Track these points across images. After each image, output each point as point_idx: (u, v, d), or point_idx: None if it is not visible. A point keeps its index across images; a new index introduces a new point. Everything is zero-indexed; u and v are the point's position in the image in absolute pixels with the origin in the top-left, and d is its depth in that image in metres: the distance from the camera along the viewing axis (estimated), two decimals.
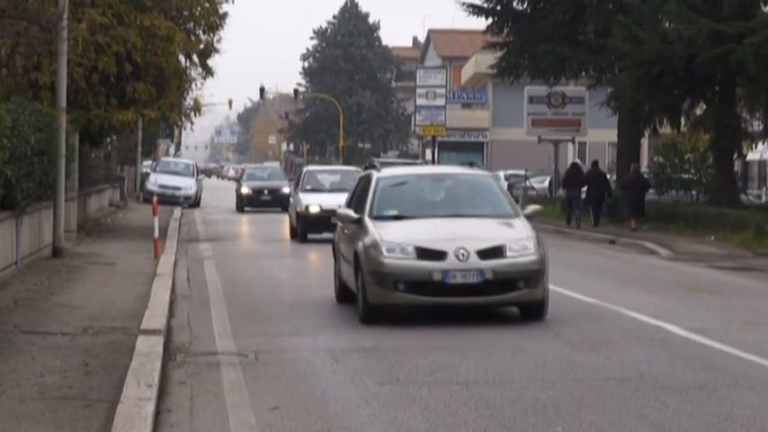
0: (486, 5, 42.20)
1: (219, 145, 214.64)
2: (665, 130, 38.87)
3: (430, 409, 9.75)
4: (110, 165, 46.15)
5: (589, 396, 10.22)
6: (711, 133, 35.72)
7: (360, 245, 14.80)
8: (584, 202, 36.55)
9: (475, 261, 14.15)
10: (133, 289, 17.38)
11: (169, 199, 48.32)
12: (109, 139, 41.26)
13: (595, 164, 37.97)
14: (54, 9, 21.62)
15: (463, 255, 14.15)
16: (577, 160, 45.50)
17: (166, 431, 9.12)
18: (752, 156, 49.73)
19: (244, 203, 48.17)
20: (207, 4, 29.81)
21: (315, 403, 10.05)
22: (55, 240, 22.45)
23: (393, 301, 14.40)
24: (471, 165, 17.02)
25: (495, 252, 14.34)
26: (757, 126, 40.17)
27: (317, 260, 24.61)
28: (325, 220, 27.45)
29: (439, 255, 14.20)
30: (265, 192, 48.37)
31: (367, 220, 15.22)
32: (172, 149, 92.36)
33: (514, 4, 42.21)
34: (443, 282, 14.11)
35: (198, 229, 35.86)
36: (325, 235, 27.48)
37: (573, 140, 48.66)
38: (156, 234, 24.22)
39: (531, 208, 16.38)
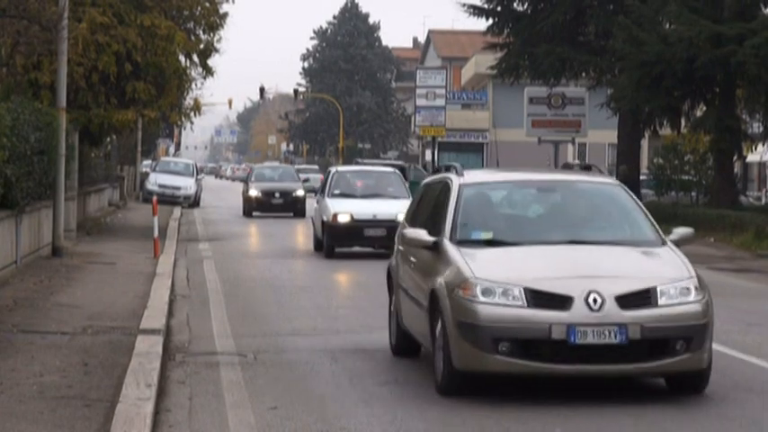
0: (486, 6, 42.23)
1: (219, 145, 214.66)
2: (666, 131, 38.95)
3: (429, 410, 9.75)
4: (109, 164, 46.11)
5: (587, 398, 10.21)
6: (711, 135, 35.75)
7: (439, 282, 10.48)
8: None
9: (614, 311, 9.85)
10: (132, 288, 17.37)
11: (169, 199, 48.28)
12: (109, 139, 41.24)
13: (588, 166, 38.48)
14: (54, 8, 21.60)
15: (597, 301, 9.85)
16: (576, 161, 45.52)
17: (165, 431, 9.11)
18: (752, 157, 49.78)
19: (252, 207, 43.06)
20: (207, 4, 29.79)
21: (314, 403, 10.05)
22: (54, 240, 22.44)
23: (491, 368, 9.97)
24: (588, 168, 12.64)
25: (643, 298, 10.02)
26: (757, 128, 40.24)
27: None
28: (357, 231, 24.87)
29: (561, 301, 9.88)
30: (276, 194, 43.13)
31: (448, 245, 10.82)
32: (171, 149, 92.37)
33: (515, 4, 42.24)
34: (567, 341, 9.78)
35: (200, 235, 35.85)
36: (356, 249, 25.67)
37: (573, 141, 48.66)
38: (156, 234, 24.21)
39: (681, 231, 11.42)
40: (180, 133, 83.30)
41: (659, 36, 33.92)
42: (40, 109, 20.84)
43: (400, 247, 12.60)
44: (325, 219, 25.26)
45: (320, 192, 27.78)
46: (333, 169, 28.78)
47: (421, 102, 56.63)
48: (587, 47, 41.09)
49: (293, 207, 42.83)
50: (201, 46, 30.14)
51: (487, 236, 11.00)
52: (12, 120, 17.48)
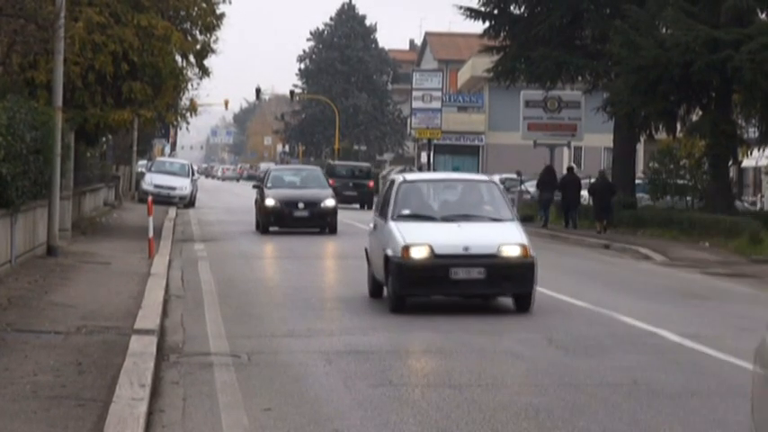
0: (483, 9, 42.25)
1: (215, 145, 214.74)
2: (661, 135, 39.03)
3: (422, 413, 9.75)
4: (105, 164, 46.11)
5: (582, 401, 10.22)
6: (707, 139, 35.80)
7: None
8: (564, 207, 38.54)
9: None
10: (127, 288, 17.36)
11: (164, 199, 48.26)
12: (104, 139, 41.27)
13: (570, 170, 40.14)
14: (51, 7, 21.60)
15: None
16: (573, 164, 45.69)
17: (159, 431, 9.11)
18: (747, 162, 49.75)
19: (269, 222, 33.73)
20: (204, 5, 29.82)
21: (308, 405, 10.05)
22: (49, 239, 22.42)
23: None
24: None
25: None
26: (753, 133, 40.24)
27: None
28: (441, 272, 16.13)
29: None
30: (300, 205, 33.72)
31: None
32: (167, 149, 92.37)
33: (512, 8, 42.24)
34: None
35: (195, 236, 35.79)
36: (437, 299, 17.15)
37: (569, 145, 48.70)
38: (151, 234, 24.19)
39: None
40: (176, 133, 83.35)
41: (656, 41, 33.94)
42: (36, 108, 20.83)
43: None
44: (390, 253, 16.45)
45: (379, 212, 18.39)
46: (398, 178, 18.55)
47: (417, 104, 56.68)
48: (584, 51, 41.10)
49: (321, 221, 34.06)
50: (198, 46, 30.17)
51: None
52: (8, 119, 17.49)
